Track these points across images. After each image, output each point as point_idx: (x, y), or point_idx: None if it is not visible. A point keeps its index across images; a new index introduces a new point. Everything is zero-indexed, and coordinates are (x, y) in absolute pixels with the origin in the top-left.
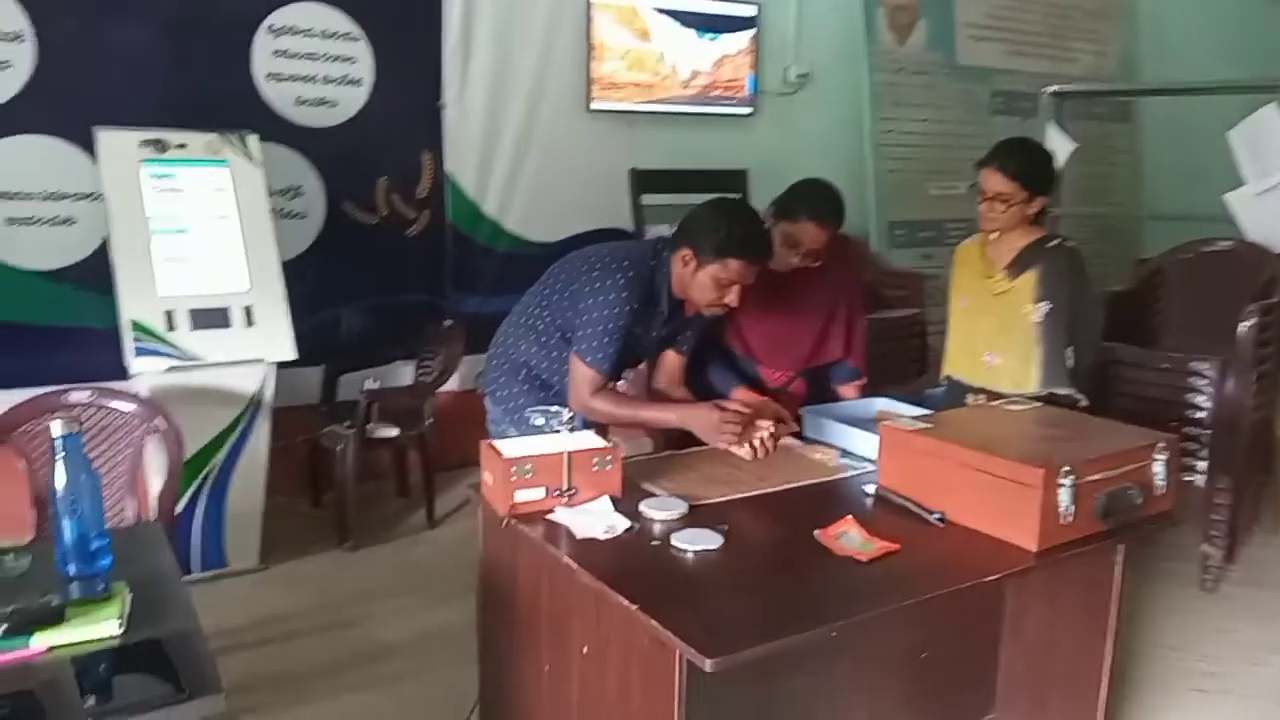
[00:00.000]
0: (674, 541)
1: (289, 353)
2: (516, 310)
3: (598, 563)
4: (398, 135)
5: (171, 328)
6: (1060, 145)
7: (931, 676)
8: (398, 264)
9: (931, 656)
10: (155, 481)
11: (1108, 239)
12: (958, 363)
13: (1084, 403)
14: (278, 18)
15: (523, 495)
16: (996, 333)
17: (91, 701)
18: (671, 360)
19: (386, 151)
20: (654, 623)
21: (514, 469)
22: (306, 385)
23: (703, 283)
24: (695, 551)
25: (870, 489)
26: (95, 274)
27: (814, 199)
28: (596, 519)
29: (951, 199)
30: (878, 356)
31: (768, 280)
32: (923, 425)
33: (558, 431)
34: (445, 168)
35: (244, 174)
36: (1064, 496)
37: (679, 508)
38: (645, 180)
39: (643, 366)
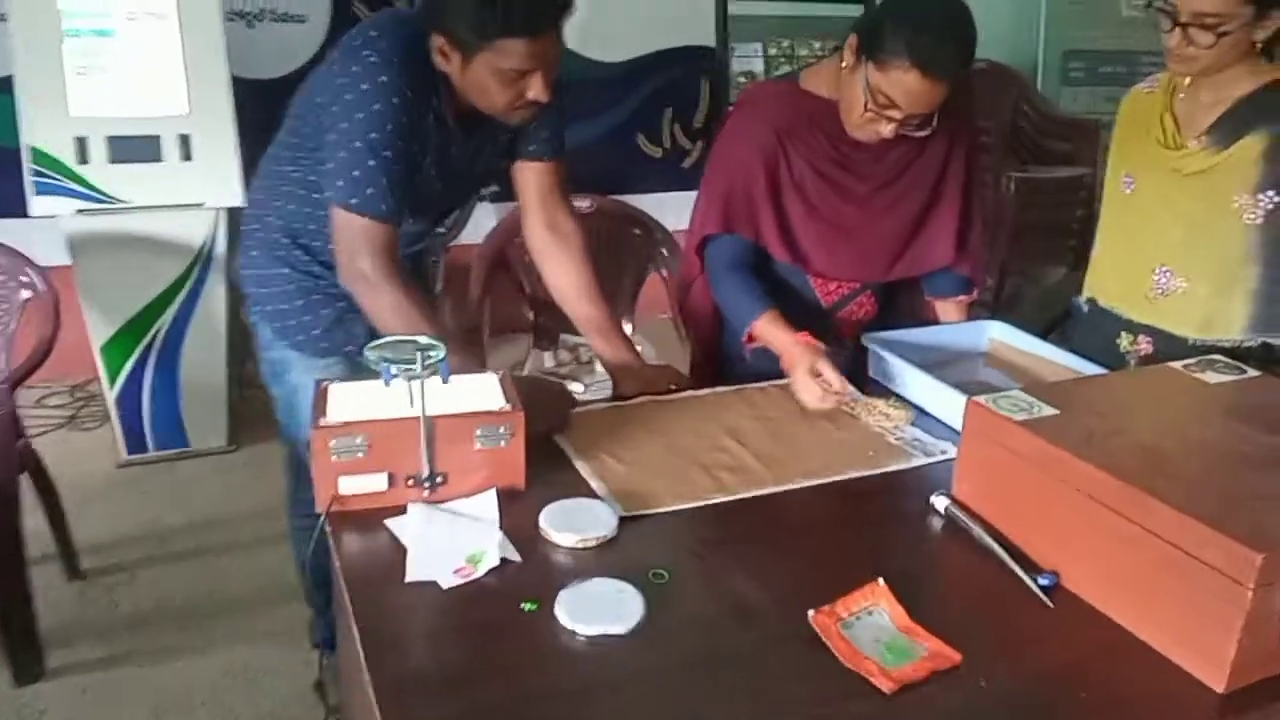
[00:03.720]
0: (558, 611)
1: (236, 197)
2: (266, 159)
3: (398, 652)
4: None
5: (84, 159)
6: None
7: None
8: None
9: None
10: None
11: None
12: (1108, 280)
13: None
14: None
15: (352, 483)
16: (1180, 237)
17: None
18: (536, 176)
19: None
20: None
21: (335, 443)
22: None
23: (480, 83)
24: (588, 637)
25: (942, 503)
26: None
27: (925, 29)
28: (451, 543)
29: (1152, 22)
30: (1026, 229)
31: (830, 151)
32: (1039, 405)
33: (414, 372)
34: None
35: None
36: None
37: (602, 525)
38: None
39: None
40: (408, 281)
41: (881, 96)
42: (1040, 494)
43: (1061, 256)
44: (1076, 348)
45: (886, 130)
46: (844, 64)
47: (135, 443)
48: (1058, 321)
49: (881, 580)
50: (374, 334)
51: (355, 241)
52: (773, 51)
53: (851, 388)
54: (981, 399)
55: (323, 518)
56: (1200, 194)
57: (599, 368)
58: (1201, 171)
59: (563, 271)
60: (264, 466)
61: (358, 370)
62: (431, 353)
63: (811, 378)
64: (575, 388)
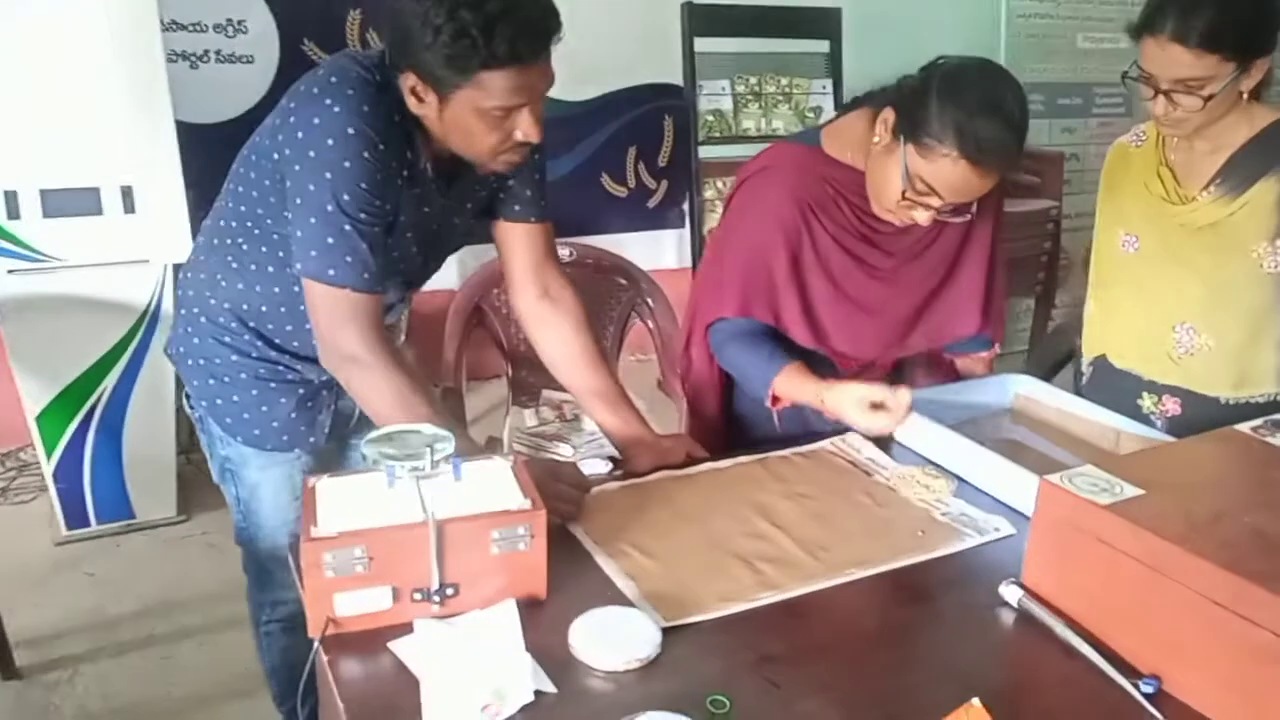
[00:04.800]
0: None
1: (184, 251)
2: (206, 229)
3: None
4: None
5: (14, 214)
6: None
7: None
8: None
9: None
10: None
11: None
12: (1122, 342)
13: None
14: None
15: (349, 603)
16: (1199, 293)
17: None
18: (524, 239)
19: None
20: None
21: (330, 557)
22: None
23: (461, 125)
24: None
25: (1013, 594)
26: None
27: (979, 115)
28: (471, 672)
29: (1106, 54)
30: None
31: (856, 225)
32: (1120, 485)
33: (423, 470)
34: None
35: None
36: None
37: (645, 641)
38: (702, 19)
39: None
40: (401, 360)
41: (921, 184)
42: (1136, 587)
43: (1030, 289)
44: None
45: (923, 218)
46: (876, 139)
47: (75, 516)
48: (1060, 366)
49: (977, 701)
50: (340, 419)
51: (338, 318)
52: (740, 89)
53: (877, 452)
54: (1056, 479)
55: (316, 646)
56: (1215, 246)
57: (587, 425)
58: (1214, 223)
59: (560, 340)
60: (218, 536)
61: (323, 462)
62: (440, 446)
63: (868, 409)
64: (564, 449)
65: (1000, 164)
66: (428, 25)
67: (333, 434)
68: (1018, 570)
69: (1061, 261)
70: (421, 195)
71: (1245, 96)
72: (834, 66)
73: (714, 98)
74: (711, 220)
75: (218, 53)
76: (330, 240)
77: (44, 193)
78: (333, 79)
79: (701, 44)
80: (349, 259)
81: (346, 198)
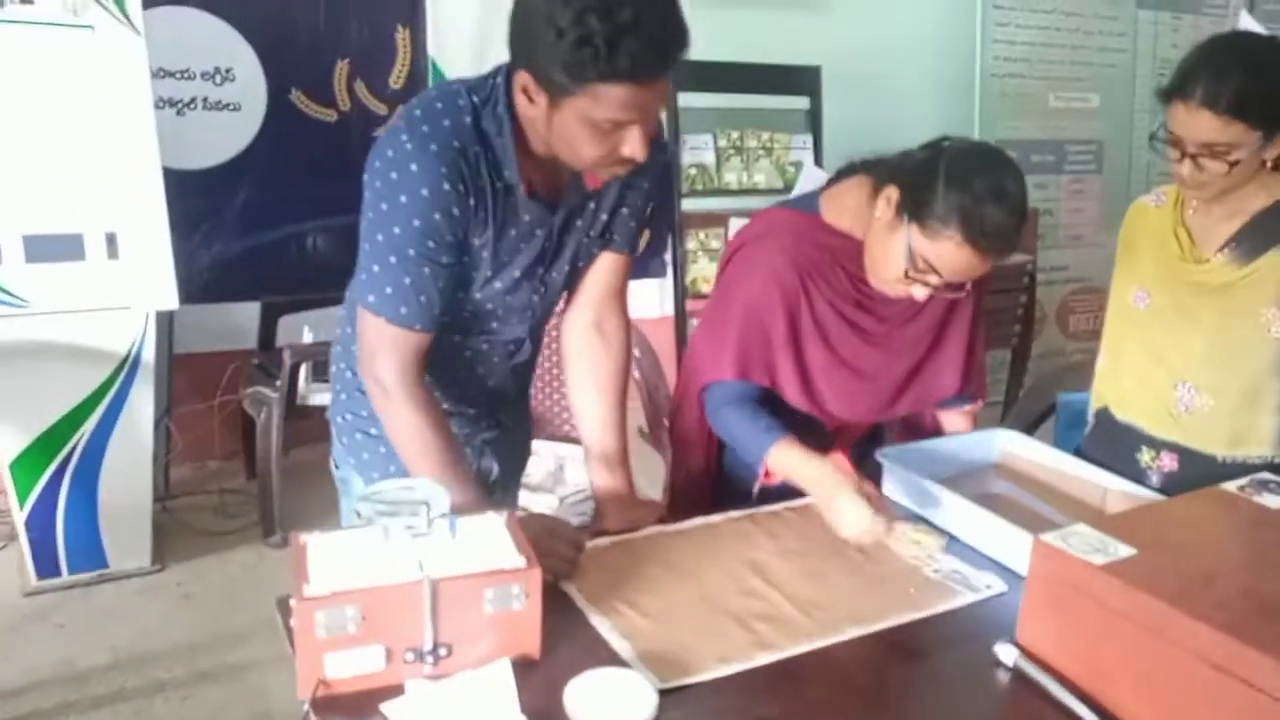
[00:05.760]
0: None
1: (169, 299)
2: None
3: None
4: (363, 4)
5: None
6: None
7: None
8: (361, 174)
9: None
10: None
11: None
12: (1126, 395)
13: None
14: None
15: (340, 663)
16: (1204, 352)
17: None
18: (605, 267)
19: (348, 25)
20: None
21: (322, 617)
22: (244, 326)
23: (567, 133)
24: None
25: (1009, 654)
26: None
27: (983, 201)
28: None
29: (1078, 114)
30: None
31: (852, 291)
32: (1113, 544)
33: (419, 529)
34: (427, 49)
35: (116, 45)
36: None
37: (641, 704)
38: (686, 74)
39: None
40: (428, 401)
41: (923, 263)
42: (1132, 649)
43: (1005, 342)
44: (1087, 458)
45: (920, 295)
46: (878, 214)
47: (47, 565)
48: (1041, 420)
49: None
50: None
51: (374, 343)
52: (723, 143)
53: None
54: (1050, 538)
55: (305, 709)
56: (1224, 308)
57: (570, 478)
58: (1226, 285)
59: (594, 386)
60: (194, 586)
61: None
62: (436, 503)
63: (853, 507)
64: (549, 500)
65: (1002, 249)
66: (551, 26)
67: None
68: (1011, 628)
69: (1035, 315)
70: (518, 222)
71: (1269, 165)
72: (814, 122)
73: (697, 151)
74: (694, 270)
75: (205, 100)
76: (376, 268)
77: (26, 238)
78: (416, 111)
79: (685, 99)
80: (388, 290)
81: (397, 230)
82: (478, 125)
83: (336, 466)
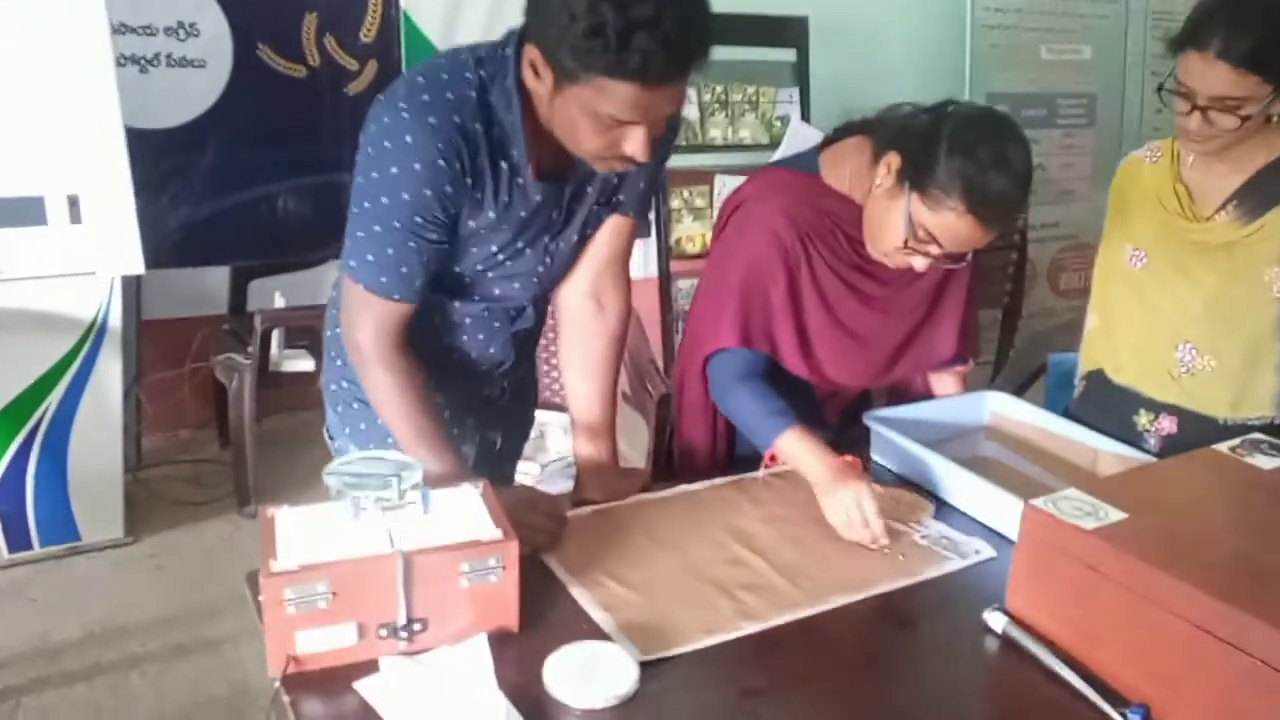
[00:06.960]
0: None
1: (134, 264)
2: None
3: None
4: None
5: None
6: None
7: None
8: (332, 132)
9: None
10: None
11: None
12: (1122, 357)
13: None
14: None
15: (313, 639)
16: (1204, 312)
17: None
18: (608, 231)
19: None
20: None
21: (291, 592)
22: (214, 290)
23: (567, 119)
24: None
25: (998, 621)
26: None
27: (988, 169)
28: (442, 714)
29: (1069, 65)
30: None
31: (851, 255)
32: (1104, 508)
33: (390, 502)
34: (399, 1)
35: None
36: None
37: (622, 676)
38: None
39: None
40: (408, 368)
41: (924, 233)
42: (1122, 614)
43: (997, 300)
44: (1080, 422)
45: (920, 265)
46: (878, 181)
47: (18, 538)
48: (1031, 380)
49: None
50: (485, 449)
51: (354, 308)
52: (706, 97)
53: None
54: (1040, 503)
55: (276, 687)
56: (1226, 267)
57: (552, 445)
58: (1228, 244)
59: (586, 357)
60: (168, 558)
61: None
62: (407, 474)
63: (852, 508)
64: (531, 468)
65: (1006, 220)
66: (565, 8)
67: (478, 465)
68: (1000, 594)
69: (1026, 273)
70: (527, 203)
71: (1275, 120)
72: (801, 75)
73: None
74: (678, 230)
75: (168, 56)
76: (359, 234)
77: None
78: (419, 78)
79: None
80: (369, 258)
81: (384, 200)
82: (484, 100)
83: (331, 437)
